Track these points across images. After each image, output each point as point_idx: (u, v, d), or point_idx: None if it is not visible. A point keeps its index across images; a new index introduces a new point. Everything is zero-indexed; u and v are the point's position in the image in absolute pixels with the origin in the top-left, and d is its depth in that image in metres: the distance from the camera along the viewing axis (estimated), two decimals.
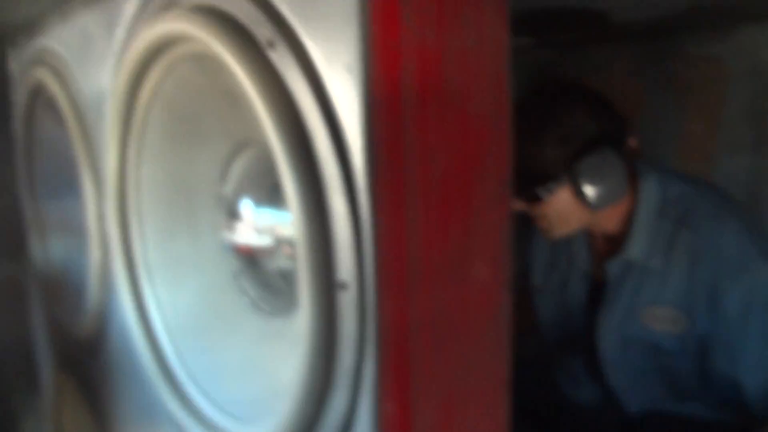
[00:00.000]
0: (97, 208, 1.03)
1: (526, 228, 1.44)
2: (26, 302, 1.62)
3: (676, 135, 1.40)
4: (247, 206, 0.81)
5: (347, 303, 0.53)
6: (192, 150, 0.87)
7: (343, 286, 0.52)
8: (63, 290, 1.32)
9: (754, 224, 1.17)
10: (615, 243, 1.22)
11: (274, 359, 0.76)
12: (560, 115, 1.10)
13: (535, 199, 1.14)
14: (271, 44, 0.56)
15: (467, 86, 0.54)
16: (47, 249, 1.40)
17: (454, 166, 0.54)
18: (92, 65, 0.98)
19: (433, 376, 0.56)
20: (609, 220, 1.20)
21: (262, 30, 0.57)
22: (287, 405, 0.61)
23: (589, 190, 1.08)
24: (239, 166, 0.84)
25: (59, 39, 1.11)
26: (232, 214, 0.84)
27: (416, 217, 0.52)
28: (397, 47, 0.48)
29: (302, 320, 0.56)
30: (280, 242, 0.77)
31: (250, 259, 0.84)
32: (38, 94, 1.22)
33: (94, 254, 1.07)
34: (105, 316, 1.10)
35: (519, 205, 1.17)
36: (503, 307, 0.62)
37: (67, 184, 1.18)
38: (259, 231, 0.79)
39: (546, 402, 1.39)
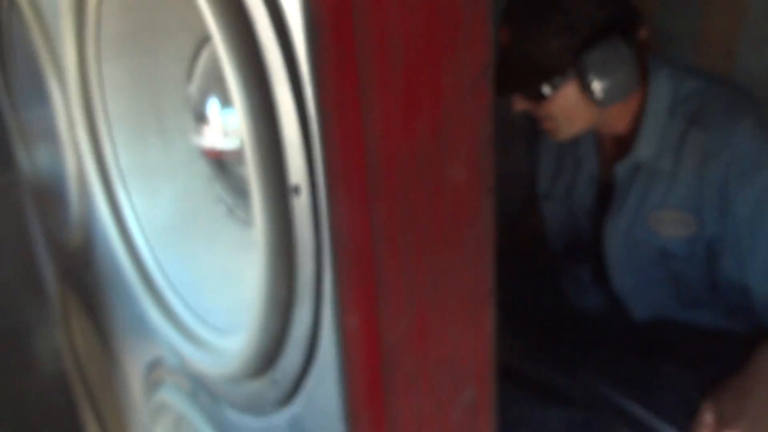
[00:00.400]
0: (66, 113, 0.97)
1: (532, 131, 1.36)
2: (23, 213, 1.59)
3: (696, 30, 1.28)
4: (213, 106, 0.74)
5: (301, 209, 0.47)
6: (154, 45, 0.80)
7: (296, 190, 0.46)
8: (52, 200, 1.29)
9: None
10: (624, 144, 1.15)
11: (249, 268, 0.73)
12: (566, 2, 1.00)
13: (539, 96, 1.06)
14: None
15: None
16: (33, 159, 1.36)
17: (419, 47, 0.46)
18: None
19: (402, 288, 0.51)
20: (618, 119, 1.12)
21: None
22: (253, 318, 0.58)
23: (597, 85, 1.00)
24: (203, 63, 0.77)
25: None
26: (199, 116, 0.77)
27: (374, 108, 0.45)
28: None
29: (257, 229, 0.51)
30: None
31: (220, 163, 0.79)
32: None
33: (69, 162, 1.02)
34: (89, 226, 1.07)
35: (522, 105, 1.10)
36: (484, 212, 0.56)
37: (41, 89, 1.12)
38: (227, 133, 0.72)
39: (550, 310, 1.37)
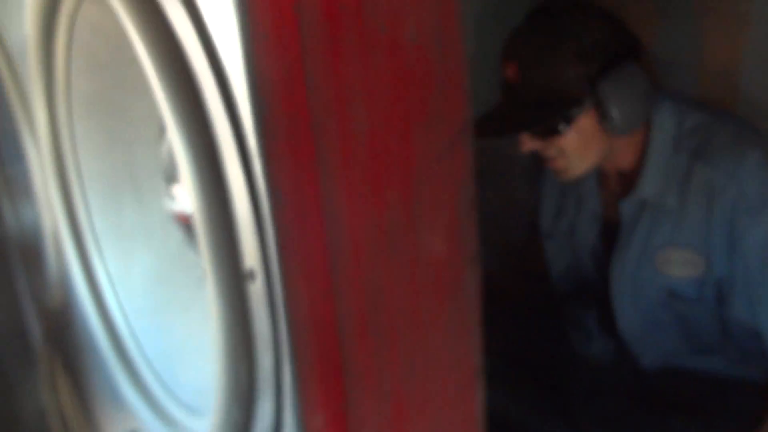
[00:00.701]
0: (41, 170, 0.93)
1: (535, 167, 1.32)
2: (11, 270, 1.55)
3: (696, 63, 1.25)
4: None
5: (257, 295, 0.42)
6: (125, 104, 0.76)
7: (250, 275, 0.42)
8: (36, 257, 1.25)
9: None
10: (628, 180, 1.11)
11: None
12: (577, 28, 0.97)
13: (551, 133, 1.01)
14: None
15: (398, 7, 0.41)
16: (19, 214, 1.32)
17: (385, 110, 0.42)
18: (14, 6, 0.86)
19: (374, 378, 0.46)
20: (622, 154, 1.09)
21: None
22: (216, 405, 0.52)
23: (616, 112, 0.96)
24: None
25: None
26: (170, 178, 0.73)
27: (335, 181, 0.40)
28: None
29: (213, 316, 0.46)
30: None
31: (191, 227, 0.74)
32: None
33: (46, 221, 0.98)
34: (66, 286, 1.02)
35: (531, 145, 1.05)
36: (466, 283, 0.51)
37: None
38: None
39: (555, 358, 1.31)
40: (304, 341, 0.41)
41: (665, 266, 1.08)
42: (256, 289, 0.41)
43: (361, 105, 0.41)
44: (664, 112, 1.05)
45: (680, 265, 1.06)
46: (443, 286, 0.50)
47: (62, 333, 1.21)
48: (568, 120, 0.99)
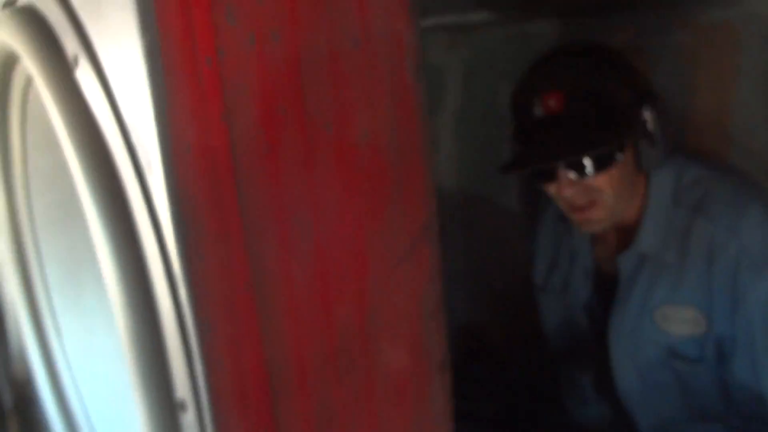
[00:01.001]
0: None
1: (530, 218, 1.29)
2: None
3: (687, 113, 1.24)
4: None
5: (189, 427, 0.37)
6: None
7: (182, 406, 0.37)
8: (3, 328, 1.20)
9: None
10: (627, 235, 1.08)
11: None
12: (615, 60, 0.96)
13: (605, 164, 0.95)
14: (76, 61, 0.40)
15: (346, 103, 0.38)
16: None
17: (334, 221, 0.38)
18: None
19: None
20: (624, 206, 1.04)
21: (70, 42, 0.41)
22: None
23: (656, 143, 0.95)
24: None
25: None
26: None
27: (275, 305, 0.36)
28: (209, 53, 0.31)
29: None
30: None
31: None
32: None
33: (5, 294, 0.94)
34: (28, 361, 0.97)
35: (569, 190, 0.97)
36: (436, 392, 0.46)
37: None
38: None
39: (549, 425, 1.26)
40: None
41: (665, 324, 1.05)
42: (188, 421, 0.37)
43: (305, 215, 0.37)
44: (664, 165, 1.02)
45: (680, 323, 1.02)
46: (408, 398, 0.45)
47: (28, 404, 1.15)
48: (622, 147, 0.95)
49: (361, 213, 0.40)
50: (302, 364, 0.38)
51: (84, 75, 0.38)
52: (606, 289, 1.16)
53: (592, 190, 0.99)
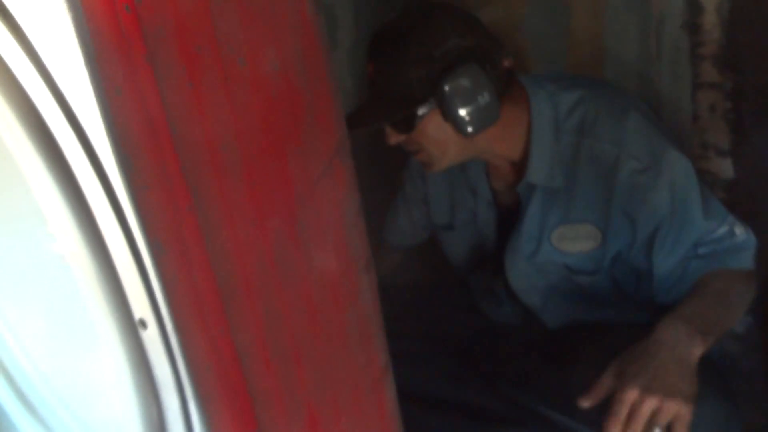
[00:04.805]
0: None
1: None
2: None
3: (564, 33, 1.33)
4: None
5: (152, 342, 0.42)
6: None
7: (142, 324, 0.42)
8: None
9: (651, 114, 1.12)
10: (522, 167, 1.16)
11: None
12: (421, 33, 1.00)
13: (406, 128, 1.05)
14: None
15: (255, 38, 0.42)
16: None
17: (258, 145, 0.43)
18: None
19: (288, 397, 0.47)
20: (506, 147, 1.13)
21: None
22: None
23: (458, 114, 1.00)
24: None
25: None
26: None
27: (216, 222, 0.41)
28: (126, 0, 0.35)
29: (114, 363, 0.45)
30: None
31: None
32: None
33: None
34: None
35: (394, 138, 1.09)
36: (364, 290, 0.53)
37: None
38: None
39: (470, 328, 1.36)
40: (208, 379, 0.42)
41: (561, 243, 1.13)
42: (150, 336, 0.42)
43: (232, 141, 0.42)
44: (541, 100, 1.09)
45: (576, 241, 1.11)
46: (341, 297, 0.52)
47: None
48: (415, 118, 1.03)
49: (280, 137, 0.45)
50: (246, 274, 0.44)
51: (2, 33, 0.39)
52: (509, 218, 1.25)
53: (413, 141, 1.10)
